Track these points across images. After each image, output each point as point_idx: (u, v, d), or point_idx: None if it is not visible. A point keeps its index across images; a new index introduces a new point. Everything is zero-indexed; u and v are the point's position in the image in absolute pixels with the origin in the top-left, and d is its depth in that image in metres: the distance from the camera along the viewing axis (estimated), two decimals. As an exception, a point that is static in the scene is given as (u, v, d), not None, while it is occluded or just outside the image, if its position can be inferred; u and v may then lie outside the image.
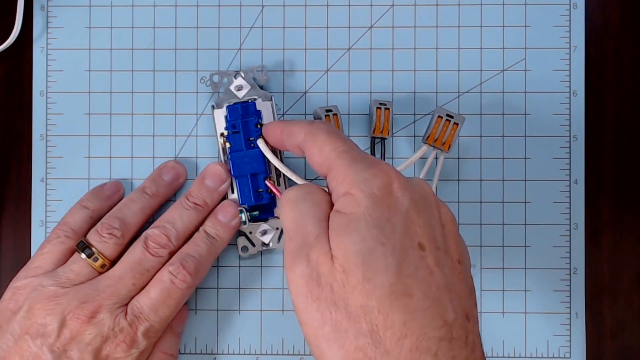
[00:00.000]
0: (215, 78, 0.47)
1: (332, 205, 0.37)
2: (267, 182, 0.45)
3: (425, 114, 0.48)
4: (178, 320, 0.46)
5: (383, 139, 0.45)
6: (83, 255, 0.44)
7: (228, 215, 0.45)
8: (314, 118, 0.46)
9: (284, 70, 0.48)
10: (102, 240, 0.44)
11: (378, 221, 0.34)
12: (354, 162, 0.36)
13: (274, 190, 0.45)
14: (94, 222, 0.45)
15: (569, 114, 0.48)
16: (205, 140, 0.48)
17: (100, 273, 0.44)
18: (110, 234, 0.44)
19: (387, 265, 0.34)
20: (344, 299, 0.34)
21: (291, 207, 0.37)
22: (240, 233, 0.47)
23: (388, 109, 0.45)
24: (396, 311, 0.33)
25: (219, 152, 0.46)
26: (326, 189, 0.38)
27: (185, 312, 0.47)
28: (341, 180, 0.36)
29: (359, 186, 0.35)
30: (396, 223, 0.35)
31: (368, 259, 0.34)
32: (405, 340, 0.33)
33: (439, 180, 0.47)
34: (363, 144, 0.48)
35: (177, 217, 0.45)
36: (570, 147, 0.47)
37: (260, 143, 0.45)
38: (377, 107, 0.45)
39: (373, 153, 0.46)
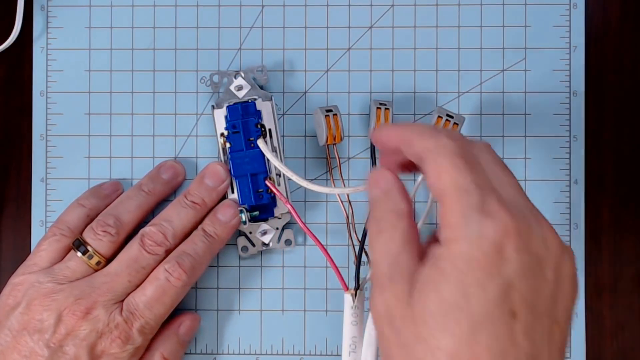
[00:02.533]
0: (215, 78, 0.47)
1: (410, 232, 0.35)
2: (267, 182, 0.45)
3: (425, 114, 0.48)
4: (187, 329, 0.46)
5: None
6: (78, 253, 0.44)
7: (227, 214, 0.45)
8: (315, 118, 0.46)
9: (284, 70, 0.48)
10: (97, 238, 0.44)
11: (465, 286, 0.32)
12: (469, 209, 0.32)
13: (274, 190, 0.45)
14: (90, 220, 0.45)
15: (569, 114, 0.48)
16: (205, 140, 0.48)
17: (96, 270, 0.44)
18: (104, 231, 0.44)
19: (459, 331, 0.31)
20: (406, 347, 0.33)
21: (375, 233, 0.35)
22: (240, 233, 0.47)
23: (388, 109, 0.45)
24: None
25: (219, 152, 0.46)
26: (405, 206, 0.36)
27: (196, 322, 0.47)
28: (448, 224, 0.33)
29: (461, 243, 0.32)
30: (489, 289, 0.32)
31: (440, 321, 0.32)
32: None
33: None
34: (363, 144, 0.48)
35: (174, 215, 0.45)
36: (570, 147, 0.48)
37: (260, 143, 0.45)
38: (377, 108, 0.45)
39: (373, 154, 0.46)
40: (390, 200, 0.36)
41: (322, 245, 0.44)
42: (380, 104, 0.45)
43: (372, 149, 0.46)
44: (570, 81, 0.48)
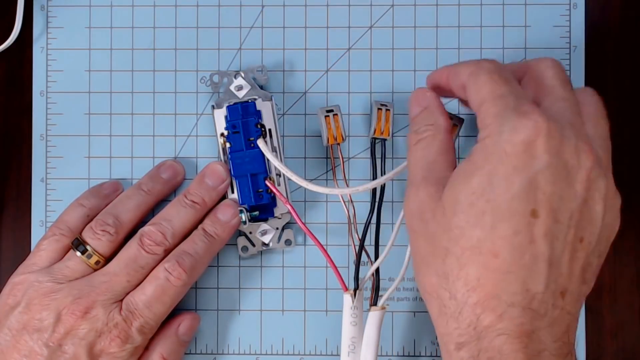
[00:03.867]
0: (216, 78, 0.47)
1: (447, 144, 0.38)
2: (267, 182, 0.45)
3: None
4: (187, 328, 0.46)
5: (384, 140, 0.45)
6: (77, 253, 0.44)
7: (228, 214, 0.45)
8: (318, 118, 0.46)
9: (284, 70, 0.48)
10: (96, 238, 0.44)
11: (492, 177, 0.34)
12: (505, 110, 0.35)
13: (274, 190, 0.45)
14: (90, 220, 0.45)
15: (569, 114, 0.47)
16: (205, 140, 0.48)
17: (96, 270, 0.44)
18: (103, 230, 0.44)
19: (482, 221, 0.34)
20: (434, 238, 0.36)
21: (413, 142, 0.39)
22: (240, 233, 0.47)
23: (389, 110, 0.45)
24: (474, 265, 0.35)
25: (219, 152, 0.46)
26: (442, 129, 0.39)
27: (196, 322, 0.47)
28: (484, 126, 0.36)
29: (495, 137, 0.35)
30: (514, 182, 0.34)
31: (467, 211, 0.35)
32: (472, 294, 0.35)
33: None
34: (363, 144, 0.48)
35: (174, 214, 0.45)
36: (570, 147, 0.47)
37: (260, 143, 0.45)
38: (378, 109, 0.45)
39: (373, 154, 0.45)
40: (430, 114, 0.39)
41: (322, 246, 0.44)
42: (381, 105, 0.45)
43: (372, 149, 0.45)
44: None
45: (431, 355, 0.47)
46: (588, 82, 0.48)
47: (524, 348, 0.34)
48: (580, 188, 0.35)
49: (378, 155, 0.45)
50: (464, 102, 0.41)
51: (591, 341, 0.47)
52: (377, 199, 0.45)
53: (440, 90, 0.41)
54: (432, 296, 0.36)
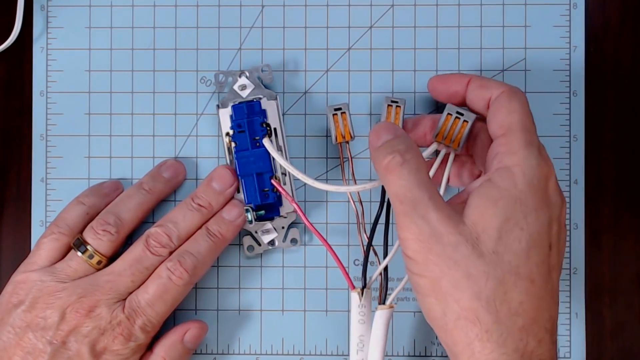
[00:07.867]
0: (220, 77, 0.47)
1: (427, 165, 0.38)
2: (272, 182, 0.45)
3: (426, 114, 0.48)
4: (193, 337, 0.45)
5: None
6: (79, 253, 0.44)
7: (233, 213, 0.45)
8: (327, 117, 0.46)
9: (284, 70, 0.48)
10: (97, 238, 0.44)
11: (526, 208, 0.37)
12: (530, 144, 0.38)
13: (279, 189, 0.45)
14: (90, 218, 0.45)
15: (569, 114, 0.48)
16: (206, 140, 0.48)
17: (98, 269, 0.44)
18: (104, 230, 0.44)
19: (519, 248, 0.36)
20: (466, 261, 0.36)
21: (399, 164, 0.38)
22: (246, 232, 0.47)
23: (399, 107, 0.44)
24: (517, 289, 0.36)
25: (225, 152, 0.46)
26: (411, 148, 0.38)
27: (203, 331, 0.46)
28: (511, 153, 0.38)
29: (524, 169, 0.37)
30: (541, 216, 0.37)
31: (503, 237, 0.36)
32: (517, 319, 0.36)
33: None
34: (364, 143, 0.47)
35: (180, 217, 0.45)
36: (570, 147, 0.48)
37: (265, 142, 0.45)
38: (388, 105, 0.44)
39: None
40: (406, 138, 0.39)
41: (328, 244, 0.43)
42: (392, 101, 0.44)
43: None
44: (570, 81, 0.48)
45: (431, 355, 0.47)
46: (588, 82, 0.48)
47: None
48: (560, 224, 0.39)
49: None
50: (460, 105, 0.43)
51: (591, 341, 0.47)
52: (387, 197, 0.43)
53: (445, 90, 0.43)
54: (469, 320, 0.36)
